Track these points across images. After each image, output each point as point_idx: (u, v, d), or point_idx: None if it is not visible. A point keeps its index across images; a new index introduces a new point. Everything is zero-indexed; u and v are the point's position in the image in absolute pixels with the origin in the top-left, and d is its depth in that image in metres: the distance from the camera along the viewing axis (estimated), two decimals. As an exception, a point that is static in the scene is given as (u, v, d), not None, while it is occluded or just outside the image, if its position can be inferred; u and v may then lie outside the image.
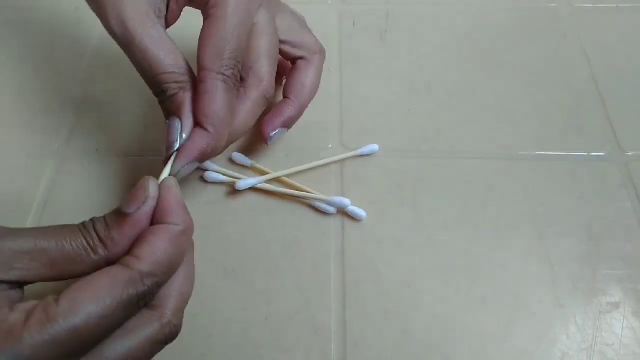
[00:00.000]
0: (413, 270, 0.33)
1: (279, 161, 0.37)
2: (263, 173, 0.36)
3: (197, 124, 0.29)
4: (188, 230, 0.26)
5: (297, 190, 0.36)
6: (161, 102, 0.30)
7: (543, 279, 0.33)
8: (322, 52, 0.36)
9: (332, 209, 0.35)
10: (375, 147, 0.38)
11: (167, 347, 0.24)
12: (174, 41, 0.30)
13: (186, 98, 0.30)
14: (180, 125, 0.29)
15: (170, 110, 0.30)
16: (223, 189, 0.36)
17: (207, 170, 0.36)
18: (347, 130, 0.39)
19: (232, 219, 0.35)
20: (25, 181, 0.37)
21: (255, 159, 0.37)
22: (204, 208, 0.35)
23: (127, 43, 0.29)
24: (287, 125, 0.35)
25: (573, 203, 0.36)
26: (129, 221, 0.24)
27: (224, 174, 0.36)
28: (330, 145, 0.38)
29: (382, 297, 0.32)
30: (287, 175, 0.36)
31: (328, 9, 0.46)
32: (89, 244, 0.24)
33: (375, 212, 0.35)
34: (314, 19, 0.45)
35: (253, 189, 0.36)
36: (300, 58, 0.36)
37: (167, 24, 0.32)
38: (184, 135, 0.29)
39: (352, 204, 0.35)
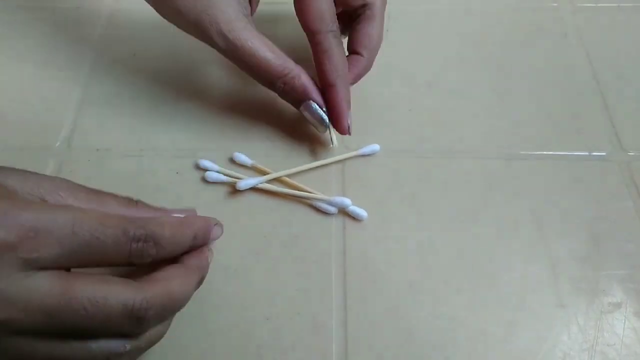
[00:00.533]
0: (414, 271, 0.33)
1: (280, 161, 0.37)
2: (264, 173, 0.36)
3: (323, 91, 0.35)
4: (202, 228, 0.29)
5: (298, 190, 0.35)
6: (284, 95, 0.35)
7: (544, 279, 0.33)
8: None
9: (333, 209, 0.35)
10: (376, 147, 0.38)
11: (168, 345, 0.24)
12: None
13: (305, 81, 0.35)
14: (316, 105, 0.35)
15: (297, 97, 0.35)
16: (224, 189, 0.36)
17: (207, 170, 0.36)
18: (348, 130, 0.39)
19: (233, 219, 0.35)
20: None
21: (257, 159, 0.37)
22: (204, 208, 0.35)
23: (233, 53, 0.34)
24: (357, 80, 0.38)
25: (574, 203, 0.36)
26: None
27: (225, 174, 0.36)
28: (331, 146, 0.38)
29: (384, 297, 0.32)
30: (288, 175, 0.36)
31: (329, 9, 0.46)
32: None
33: (377, 212, 0.35)
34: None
35: (254, 189, 0.36)
36: (363, 6, 0.36)
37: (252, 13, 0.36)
38: (324, 109, 0.35)
39: (353, 204, 0.35)
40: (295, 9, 0.35)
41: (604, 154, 0.38)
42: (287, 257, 0.33)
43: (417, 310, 0.32)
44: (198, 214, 0.31)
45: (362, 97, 0.40)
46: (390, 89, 0.41)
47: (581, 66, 0.42)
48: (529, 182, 0.36)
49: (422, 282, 0.33)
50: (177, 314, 0.27)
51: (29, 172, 0.26)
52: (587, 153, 0.38)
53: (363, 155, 0.37)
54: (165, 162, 0.37)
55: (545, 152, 0.38)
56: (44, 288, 0.22)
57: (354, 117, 0.38)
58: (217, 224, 0.30)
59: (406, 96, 0.41)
